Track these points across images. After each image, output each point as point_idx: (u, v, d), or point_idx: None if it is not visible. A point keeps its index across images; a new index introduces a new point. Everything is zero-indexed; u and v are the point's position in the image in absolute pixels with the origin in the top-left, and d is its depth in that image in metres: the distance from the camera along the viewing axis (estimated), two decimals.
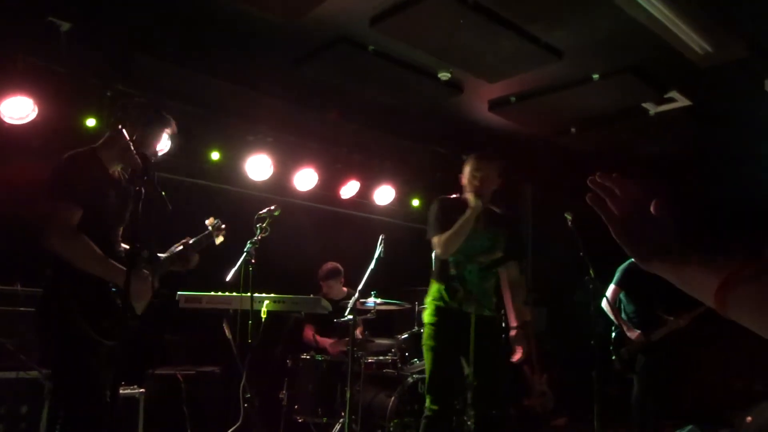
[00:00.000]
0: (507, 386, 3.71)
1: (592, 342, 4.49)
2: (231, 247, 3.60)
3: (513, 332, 3.79)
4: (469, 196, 3.63)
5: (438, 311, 3.61)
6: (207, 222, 3.31)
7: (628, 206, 1.05)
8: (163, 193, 2.30)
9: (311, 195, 6.00)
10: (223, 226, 3.32)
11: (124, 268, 2.73)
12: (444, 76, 4.87)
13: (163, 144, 2.90)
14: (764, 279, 0.83)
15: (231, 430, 3.63)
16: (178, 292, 3.64)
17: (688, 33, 3.98)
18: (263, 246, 3.67)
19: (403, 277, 5.74)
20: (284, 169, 5.67)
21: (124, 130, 2.44)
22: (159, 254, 3.01)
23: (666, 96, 5.08)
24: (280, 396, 4.79)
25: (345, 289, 5.52)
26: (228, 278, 3.61)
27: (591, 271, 4.48)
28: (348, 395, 3.98)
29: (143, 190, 2.21)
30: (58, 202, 2.56)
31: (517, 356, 3.80)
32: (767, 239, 6.54)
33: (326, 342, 5.26)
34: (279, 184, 5.69)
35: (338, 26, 4.25)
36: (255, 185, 5.56)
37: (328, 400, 4.68)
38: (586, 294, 4.62)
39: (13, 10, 4.02)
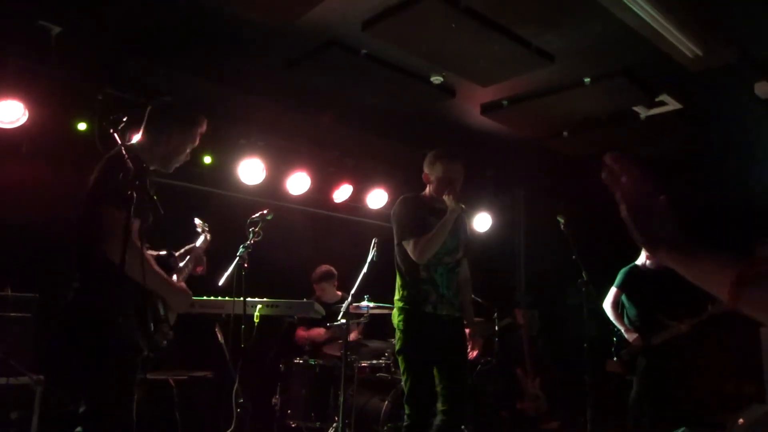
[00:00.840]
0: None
1: (585, 345, 4.51)
2: (223, 251, 3.59)
3: (468, 330, 3.70)
4: (446, 198, 3.48)
5: (412, 317, 3.47)
6: (197, 222, 3.31)
7: (635, 195, 1.06)
8: (155, 197, 2.28)
9: (304, 199, 6.00)
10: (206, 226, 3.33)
11: (174, 282, 2.74)
12: (436, 79, 4.88)
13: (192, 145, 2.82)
14: None
15: None
16: None
17: (679, 37, 4.01)
18: (256, 250, 3.65)
19: (395, 280, 5.72)
20: (277, 172, 5.66)
21: (116, 135, 2.40)
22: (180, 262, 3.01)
23: (657, 99, 5.11)
24: (273, 401, 4.77)
25: (338, 292, 5.51)
26: (220, 282, 3.60)
27: (584, 274, 4.51)
28: (341, 399, 3.97)
29: (135, 195, 2.20)
30: (121, 212, 2.34)
31: (475, 353, 3.77)
32: (758, 239, 6.59)
33: (317, 332, 5.21)
34: (272, 188, 5.68)
35: (330, 30, 4.25)
36: (247, 189, 5.55)
37: (321, 404, 4.67)
38: (578, 297, 4.64)
39: (3, 14, 4.00)
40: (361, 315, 4.64)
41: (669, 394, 5.22)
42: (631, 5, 3.68)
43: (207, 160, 5.28)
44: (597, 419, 4.47)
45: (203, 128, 2.83)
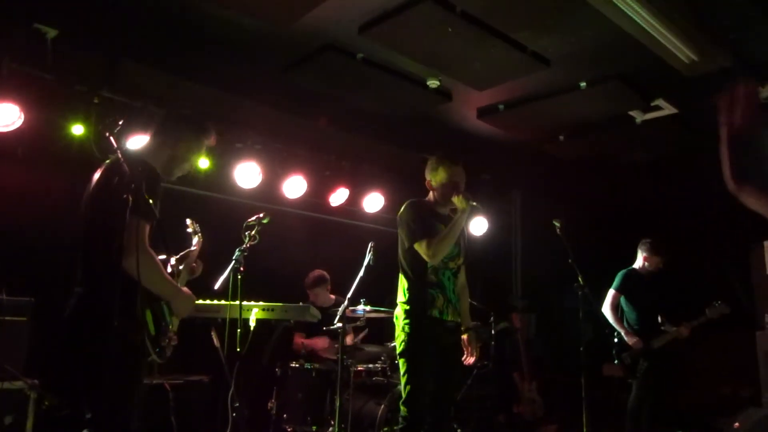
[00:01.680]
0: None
1: (581, 348, 4.51)
2: (219, 255, 3.59)
3: (465, 336, 3.75)
4: (455, 199, 3.54)
5: (418, 320, 3.49)
6: (188, 222, 3.32)
7: (744, 127, 1.01)
8: (151, 201, 2.28)
9: (300, 203, 5.99)
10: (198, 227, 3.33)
11: (181, 288, 2.74)
12: (433, 83, 4.89)
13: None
14: None
15: None
16: None
17: (674, 42, 4.02)
18: (252, 254, 3.65)
19: (392, 284, 5.72)
20: (273, 176, 5.66)
21: (112, 138, 2.39)
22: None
23: (653, 104, 5.13)
24: (269, 405, 4.76)
25: (332, 296, 5.51)
26: (216, 286, 3.59)
27: (580, 278, 4.51)
28: (337, 403, 3.97)
29: (131, 199, 2.19)
30: (140, 219, 2.35)
31: (472, 359, 3.79)
32: (752, 241, 6.60)
33: (314, 343, 5.22)
34: (268, 191, 5.67)
35: (327, 34, 4.25)
36: (244, 193, 5.54)
37: (317, 408, 4.66)
38: (575, 300, 4.64)
39: None
40: (357, 319, 4.63)
41: (668, 397, 5.22)
42: (626, 10, 3.70)
43: (203, 163, 5.27)
44: (594, 423, 4.47)
45: (211, 140, 2.83)
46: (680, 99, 5.05)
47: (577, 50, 4.33)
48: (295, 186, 5.80)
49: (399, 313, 3.60)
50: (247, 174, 5.44)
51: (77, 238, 2.58)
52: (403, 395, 3.44)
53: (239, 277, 3.53)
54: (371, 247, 4.15)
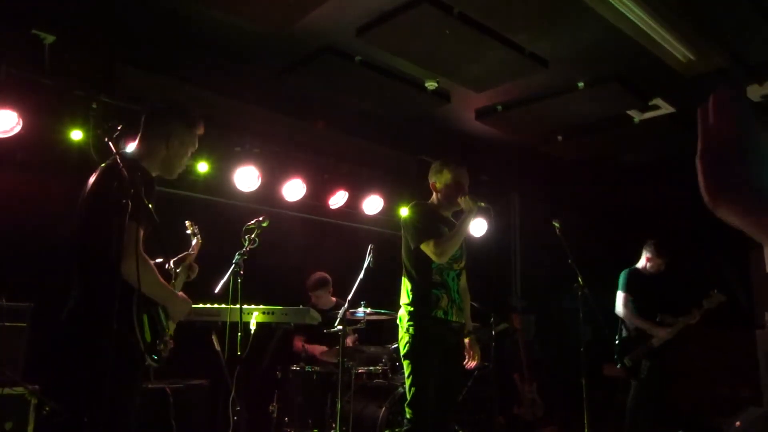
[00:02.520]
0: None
1: (581, 349, 4.51)
2: (219, 258, 3.59)
3: (467, 340, 3.77)
4: (462, 200, 3.59)
5: (423, 321, 3.50)
6: (187, 224, 3.31)
7: (719, 136, 0.99)
8: (150, 205, 2.28)
9: (299, 205, 5.99)
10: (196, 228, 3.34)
11: (177, 293, 2.74)
12: (431, 85, 4.90)
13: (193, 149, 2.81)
14: None
15: None
16: None
17: (671, 42, 4.04)
18: (252, 257, 3.65)
19: (392, 286, 5.73)
20: (272, 179, 5.66)
21: (110, 143, 2.39)
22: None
23: (650, 103, 5.14)
24: (270, 408, 4.75)
25: (333, 298, 5.51)
26: (216, 290, 3.59)
27: (579, 279, 4.51)
28: (338, 406, 3.96)
29: (130, 203, 2.19)
30: (131, 222, 2.31)
31: (474, 363, 3.82)
32: (752, 240, 6.60)
33: (315, 350, 5.24)
34: (267, 194, 5.67)
35: (325, 36, 4.26)
36: (243, 196, 5.54)
37: (318, 411, 4.65)
38: (574, 301, 4.64)
39: None
40: (358, 321, 4.63)
41: (668, 397, 5.22)
42: (624, 11, 3.71)
43: (202, 167, 5.27)
44: (594, 423, 4.47)
45: (201, 130, 2.81)
46: (678, 98, 5.07)
47: (574, 51, 4.34)
48: (294, 189, 5.80)
49: (402, 315, 3.60)
50: (246, 177, 5.44)
51: (73, 242, 2.57)
52: (408, 397, 3.45)
53: (239, 280, 3.53)
54: (371, 249, 4.15)
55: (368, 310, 4.55)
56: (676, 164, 6.48)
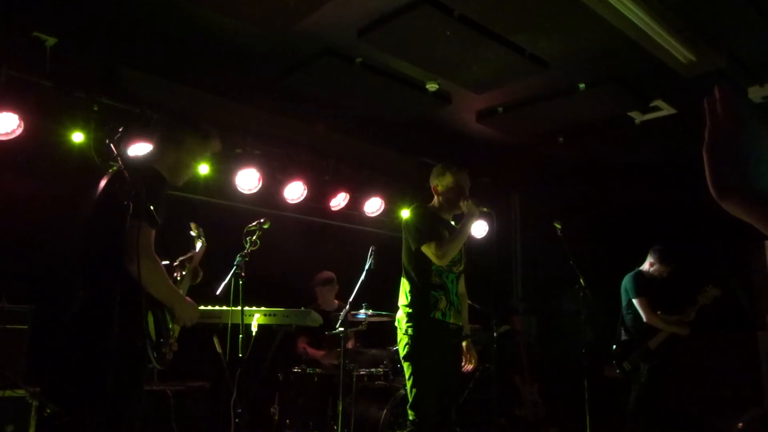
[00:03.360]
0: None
1: (583, 350, 4.51)
2: (221, 260, 3.59)
3: (464, 343, 3.82)
4: (463, 204, 3.64)
5: (421, 322, 3.53)
6: (192, 226, 3.31)
7: (725, 132, 0.99)
8: (152, 207, 2.28)
9: (300, 207, 5.99)
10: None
11: (184, 296, 2.74)
12: (432, 87, 4.90)
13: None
14: None
15: None
16: None
17: (672, 43, 4.03)
18: (253, 259, 3.65)
19: (393, 288, 5.73)
20: (273, 181, 5.66)
21: (111, 146, 2.39)
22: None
23: (651, 105, 5.14)
24: (271, 410, 4.75)
25: (336, 301, 5.52)
26: (218, 292, 3.59)
27: (581, 280, 4.51)
28: (340, 408, 3.96)
29: (132, 205, 2.19)
30: (143, 224, 2.32)
31: (470, 366, 3.86)
32: (752, 241, 6.61)
33: (317, 354, 5.24)
34: (268, 196, 5.67)
35: (325, 38, 4.26)
36: (244, 198, 5.54)
37: (319, 413, 4.65)
38: (576, 303, 4.64)
39: None
40: (359, 323, 4.63)
41: (668, 399, 5.21)
42: (624, 12, 3.71)
43: (203, 169, 5.27)
44: (596, 425, 4.46)
45: (215, 144, 2.84)
46: (678, 99, 5.06)
47: (575, 52, 4.33)
48: (294, 191, 5.80)
49: (401, 317, 3.62)
50: (247, 179, 5.44)
51: (79, 244, 2.58)
52: (410, 399, 3.45)
53: (240, 282, 3.53)
54: (372, 251, 4.15)
55: (369, 312, 4.54)
56: (676, 165, 6.49)
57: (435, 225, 3.63)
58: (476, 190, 7.26)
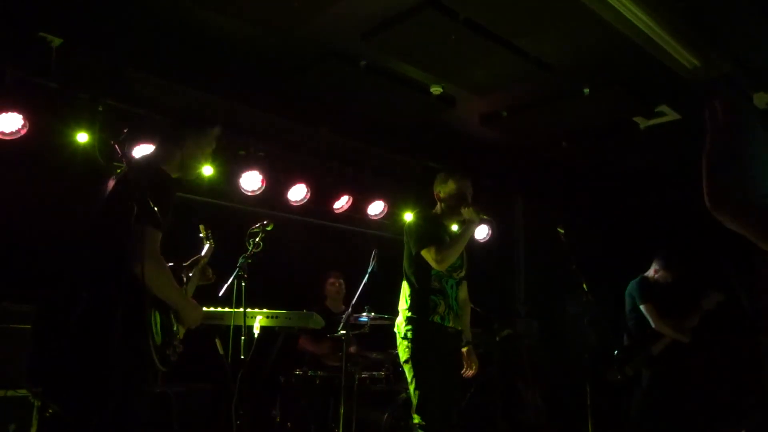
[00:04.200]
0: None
1: (585, 355, 4.50)
2: (223, 262, 3.59)
3: (465, 349, 3.85)
4: (465, 210, 3.67)
5: (421, 325, 3.57)
6: (201, 228, 3.32)
7: (725, 141, 0.99)
8: (157, 208, 2.28)
9: (304, 209, 6.00)
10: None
11: (189, 298, 2.75)
12: (436, 90, 4.90)
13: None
14: None
15: None
16: None
17: (677, 48, 4.03)
18: (256, 261, 3.65)
19: (396, 291, 5.73)
20: (276, 183, 5.66)
21: (116, 147, 2.40)
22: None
23: (656, 110, 5.13)
24: (273, 413, 4.75)
25: (342, 306, 5.51)
26: (220, 293, 3.59)
27: (584, 285, 4.50)
28: (341, 411, 3.96)
29: (135, 207, 2.20)
30: (149, 226, 2.33)
31: (471, 372, 3.88)
32: (755, 247, 6.57)
33: (319, 350, 5.21)
34: (271, 198, 5.68)
35: (329, 41, 4.27)
36: (247, 200, 5.55)
37: (321, 416, 4.64)
38: (578, 307, 4.63)
39: (4, 26, 4.01)
40: (362, 326, 4.63)
41: (671, 405, 5.19)
42: (629, 17, 3.71)
43: (207, 171, 5.28)
44: (598, 429, 4.44)
45: (217, 132, 2.84)
46: (683, 105, 5.05)
47: (579, 56, 4.33)
48: (298, 193, 5.81)
49: (400, 321, 3.66)
50: (251, 181, 5.45)
51: (84, 244, 2.58)
52: (414, 402, 3.47)
53: (243, 284, 3.54)
54: (375, 254, 4.16)
55: (371, 314, 4.54)
56: (681, 171, 6.47)
57: (436, 230, 3.67)
58: (480, 194, 7.28)
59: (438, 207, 3.84)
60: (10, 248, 4.14)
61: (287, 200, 5.78)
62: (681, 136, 5.55)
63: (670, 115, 5.20)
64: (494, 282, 7.47)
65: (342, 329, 4.18)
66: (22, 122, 4.17)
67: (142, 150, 4.23)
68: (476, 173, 6.92)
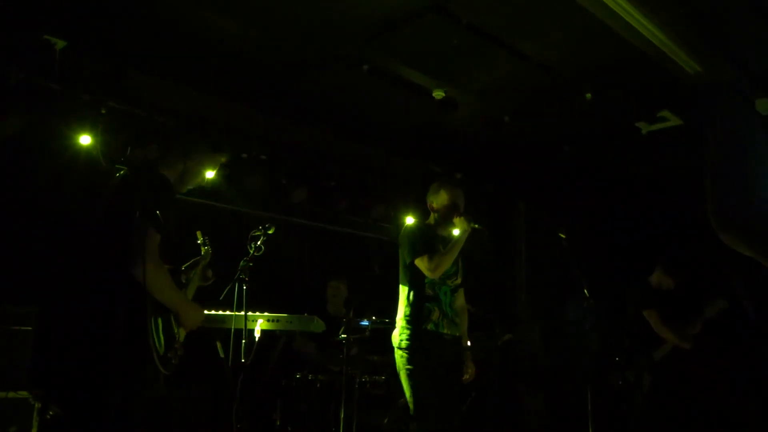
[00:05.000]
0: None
1: (587, 360, 4.49)
2: (225, 265, 3.59)
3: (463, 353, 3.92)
4: (457, 220, 3.75)
5: (415, 334, 3.65)
6: (198, 235, 3.33)
7: (729, 165, 0.99)
8: (159, 212, 2.29)
9: (305, 212, 6.00)
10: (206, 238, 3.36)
11: (190, 301, 2.75)
12: (438, 94, 4.90)
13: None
14: None
15: None
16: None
17: (680, 54, 4.03)
18: (257, 264, 3.65)
19: (396, 294, 5.73)
20: (278, 186, 5.67)
21: (119, 149, 2.40)
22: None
23: (658, 115, 5.13)
24: (273, 416, 4.74)
25: (344, 310, 5.51)
26: (221, 297, 3.59)
27: (586, 290, 4.49)
28: (341, 415, 3.96)
29: (139, 210, 2.20)
30: (150, 230, 2.35)
31: (467, 377, 3.92)
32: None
33: (307, 347, 5.19)
34: (273, 201, 5.69)
35: (332, 45, 4.27)
36: (249, 203, 5.56)
37: (321, 420, 4.64)
38: (580, 311, 4.62)
39: (8, 28, 4.03)
40: (363, 330, 4.63)
41: (673, 410, 5.18)
42: (631, 22, 3.71)
43: (208, 173, 5.28)
44: None
45: (223, 158, 2.87)
46: (686, 111, 5.05)
47: (582, 61, 4.34)
48: (300, 196, 5.81)
49: (395, 333, 3.75)
50: (252, 184, 5.46)
51: (85, 247, 2.59)
52: (412, 408, 3.51)
53: (244, 287, 3.53)
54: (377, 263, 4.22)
55: (372, 318, 4.55)
56: (683, 176, 6.47)
57: (429, 239, 3.75)
58: (481, 198, 7.29)
59: (431, 217, 3.94)
60: (11, 249, 4.15)
61: (289, 203, 5.79)
62: (683, 141, 5.55)
63: (672, 120, 5.19)
64: (495, 286, 7.46)
65: (343, 333, 4.19)
66: (26, 124, 4.18)
67: (145, 153, 4.23)
68: (478, 177, 6.98)
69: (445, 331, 3.72)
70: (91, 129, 4.40)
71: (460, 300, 3.94)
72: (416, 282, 3.72)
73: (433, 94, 4.91)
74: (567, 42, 4.11)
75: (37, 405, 3.63)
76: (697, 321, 4.98)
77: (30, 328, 3.85)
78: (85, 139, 4.40)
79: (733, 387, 6.71)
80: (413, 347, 3.62)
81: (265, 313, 3.75)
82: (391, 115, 5.40)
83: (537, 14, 3.79)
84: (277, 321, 3.79)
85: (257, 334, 3.65)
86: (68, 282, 2.76)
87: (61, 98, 4.37)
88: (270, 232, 3.72)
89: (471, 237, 3.75)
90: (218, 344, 3.65)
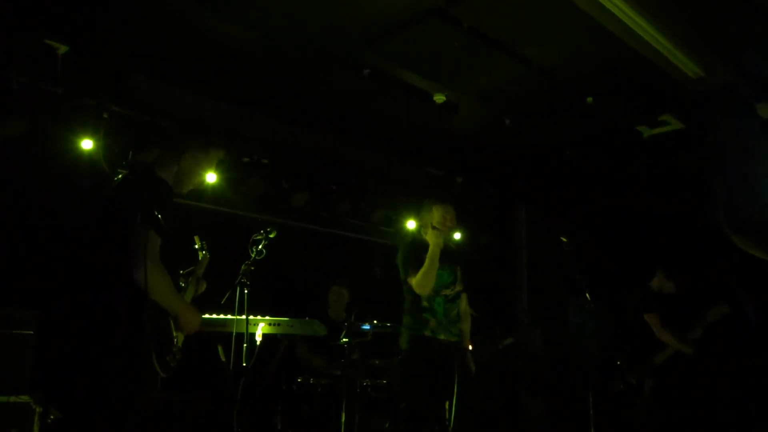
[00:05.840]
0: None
1: (588, 364, 4.48)
2: (226, 269, 3.59)
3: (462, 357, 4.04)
4: (431, 234, 3.84)
5: (414, 339, 3.88)
6: (195, 240, 3.33)
7: (739, 172, 0.99)
8: (159, 215, 2.29)
9: (307, 216, 6.01)
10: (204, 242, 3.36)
11: (188, 304, 2.75)
12: (439, 98, 4.91)
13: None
14: None
15: None
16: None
17: (681, 58, 4.04)
18: (258, 268, 3.65)
19: (399, 298, 5.72)
20: (279, 190, 5.67)
21: (121, 153, 2.41)
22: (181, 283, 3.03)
23: (660, 119, 5.13)
24: (274, 420, 4.73)
25: (345, 314, 5.51)
26: (222, 301, 3.59)
27: (587, 294, 4.48)
28: (343, 419, 3.95)
29: (139, 212, 2.20)
30: (150, 232, 2.35)
31: (467, 376, 4.03)
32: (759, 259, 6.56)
33: (314, 361, 5.20)
34: (274, 205, 5.69)
35: (333, 48, 4.28)
36: (250, 206, 5.56)
37: (322, 424, 4.63)
38: (581, 315, 4.62)
39: (10, 32, 4.04)
40: (365, 334, 4.62)
41: (674, 414, 5.17)
42: (632, 26, 3.71)
43: (210, 177, 5.29)
44: None
45: (219, 153, 2.85)
46: (687, 114, 5.05)
47: (583, 65, 4.34)
48: (301, 200, 5.81)
49: (401, 337, 3.98)
50: (254, 187, 5.46)
51: (86, 250, 2.59)
52: (404, 412, 3.71)
53: (245, 291, 3.53)
54: (377, 271, 4.25)
55: (375, 322, 4.55)
56: (684, 180, 6.47)
57: (420, 259, 3.85)
58: (482, 201, 7.28)
59: (428, 233, 4.01)
60: (12, 253, 4.15)
61: (290, 207, 5.79)
62: (684, 145, 5.55)
63: (673, 124, 5.20)
64: (497, 290, 7.45)
65: (344, 337, 4.19)
66: (27, 128, 4.18)
67: (146, 156, 4.24)
68: (479, 181, 6.98)
69: (442, 337, 3.89)
70: (93, 133, 4.40)
71: (463, 305, 4.08)
72: (414, 294, 3.91)
73: (434, 98, 4.91)
74: (568, 46, 4.11)
75: (39, 409, 3.62)
76: (698, 325, 4.98)
77: (31, 332, 3.84)
78: (87, 143, 4.41)
79: (734, 391, 6.70)
80: (411, 350, 3.86)
81: (267, 317, 3.75)
82: (392, 119, 5.40)
83: (538, 18, 3.80)
84: (279, 325, 3.79)
85: (258, 338, 3.64)
86: (69, 285, 2.76)
87: (63, 102, 4.38)
88: (271, 235, 3.71)
89: (472, 242, 3.81)
90: (219, 348, 3.65)
